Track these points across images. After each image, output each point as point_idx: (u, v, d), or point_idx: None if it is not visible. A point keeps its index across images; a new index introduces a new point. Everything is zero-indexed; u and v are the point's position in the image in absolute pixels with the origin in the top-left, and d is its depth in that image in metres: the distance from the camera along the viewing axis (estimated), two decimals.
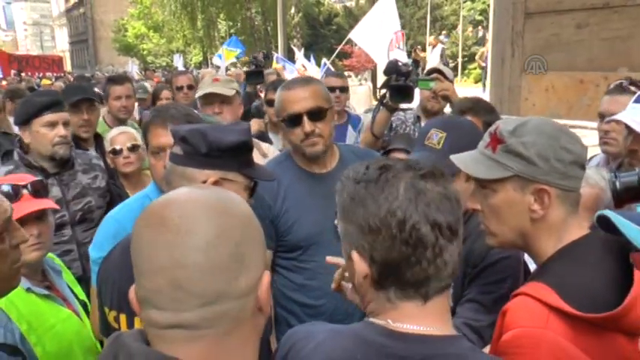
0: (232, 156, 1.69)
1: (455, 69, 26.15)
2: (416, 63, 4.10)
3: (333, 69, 16.29)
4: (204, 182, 1.64)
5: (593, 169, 2.25)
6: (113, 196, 3.30)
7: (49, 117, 3.00)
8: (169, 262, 0.93)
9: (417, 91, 3.40)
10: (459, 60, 25.43)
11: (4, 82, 13.91)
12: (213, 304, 0.94)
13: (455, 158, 1.68)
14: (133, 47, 50.35)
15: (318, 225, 2.30)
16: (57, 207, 2.25)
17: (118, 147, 3.46)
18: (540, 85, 6.07)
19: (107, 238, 2.15)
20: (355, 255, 1.14)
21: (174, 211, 0.97)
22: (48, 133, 3.00)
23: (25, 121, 3.05)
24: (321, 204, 2.26)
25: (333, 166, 2.48)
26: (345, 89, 4.67)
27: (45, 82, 15.24)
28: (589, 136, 3.70)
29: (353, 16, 45.40)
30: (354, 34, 9.24)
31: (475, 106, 2.90)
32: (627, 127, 2.35)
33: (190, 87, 5.39)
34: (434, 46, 18.17)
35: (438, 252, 1.08)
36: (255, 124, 3.95)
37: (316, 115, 2.35)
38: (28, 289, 1.98)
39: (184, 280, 0.92)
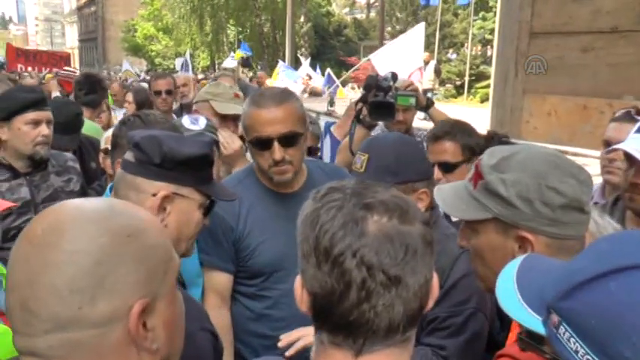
0: (189, 170, 1.54)
1: (461, 87, 26.07)
2: (395, 77, 3.95)
3: (336, 79, 16.27)
4: (154, 195, 1.49)
5: (605, 218, 1.99)
6: None
7: (33, 115, 2.86)
8: (22, 279, 0.83)
9: None
10: (466, 79, 25.31)
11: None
12: (63, 330, 0.82)
13: (437, 190, 1.52)
14: (141, 48, 50.52)
15: (283, 250, 2.11)
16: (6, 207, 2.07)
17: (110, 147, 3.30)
18: (542, 109, 5.91)
19: None
20: (298, 280, 1.00)
21: (41, 223, 0.87)
22: (30, 132, 2.85)
23: (4, 117, 2.89)
24: (286, 227, 1.94)
25: (300, 185, 2.27)
26: None
27: (49, 76, 15.17)
28: (591, 165, 3.55)
29: (362, 29, 45.56)
30: (375, 57, 9.24)
31: (452, 129, 2.75)
32: (628, 158, 2.19)
33: (169, 92, 5.11)
34: (427, 63, 17.79)
35: (365, 296, 0.91)
36: None
37: (288, 140, 2.13)
38: None
39: (32, 300, 0.82)
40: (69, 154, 3.46)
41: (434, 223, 1.96)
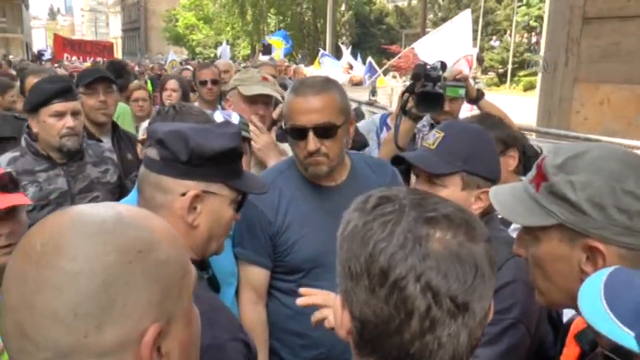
0: (218, 165, 1.43)
1: (504, 75, 25.51)
2: (444, 67, 3.78)
3: (377, 68, 16.05)
4: (183, 195, 1.39)
5: None
6: (124, 193, 3.11)
7: (56, 106, 2.81)
8: (18, 300, 0.73)
9: None
10: (509, 67, 24.76)
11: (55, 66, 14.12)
12: (65, 359, 0.72)
13: (493, 191, 1.38)
14: (182, 37, 51.11)
15: (324, 245, 1.98)
16: (27, 202, 2.01)
17: None
18: (594, 98, 5.62)
19: None
20: (338, 300, 0.88)
21: (40, 236, 0.76)
22: (55, 124, 2.81)
23: (32, 110, 2.87)
24: (327, 221, 1.85)
25: (342, 178, 2.15)
26: None
27: (87, 65, 15.50)
28: None
29: (404, 17, 45.08)
30: (418, 46, 9.04)
31: (482, 121, 2.59)
32: None
33: (215, 82, 5.08)
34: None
35: (429, 326, 0.79)
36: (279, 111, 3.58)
37: (324, 131, 2.02)
38: None
39: (29, 325, 0.72)
40: (106, 145, 3.44)
41: (490, 221, 1.83)
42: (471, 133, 1.88)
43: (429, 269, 0.79)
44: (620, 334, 0.88)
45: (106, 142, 3.62)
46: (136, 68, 16.72)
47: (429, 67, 2.79)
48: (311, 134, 2.01)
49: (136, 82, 5.49)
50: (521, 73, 24.90)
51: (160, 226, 0.84)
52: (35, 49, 40.26)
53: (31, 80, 4.23)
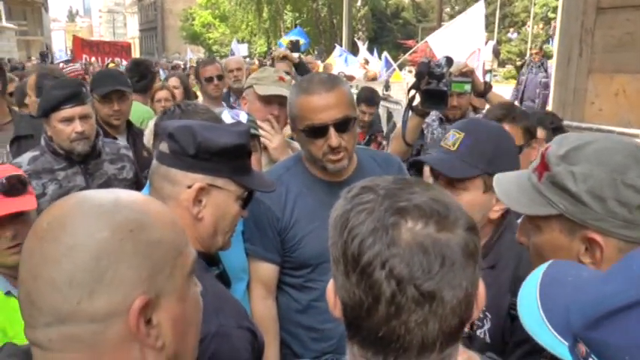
0: (224, 160, 1.48)
1: (522, 68, 25.26)
2: (450, 62, 3.73)
3: (393, 62, 16.01)
4: (190, 187, 1.45)
5: None
6: (140, 189, 3.18)
7: (64, 112, 2.87)
8: (27, 272, 0.85)
9: None
10: (527, 58, 24.53)
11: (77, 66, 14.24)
12: (63, 324, 0.82)
13: (497, 179, 1.39)
14: (199, 36, 51.36)
15: None
16: (28, 208, 2.05)
17: None
18: (609, 89, 5.54)
19: None
20: (331, 283, 0.92)
21: (47, 216, 0.87)
22: (65, 129, 2.88)
23: (44, 115, 2.95)
24: None
25: (349, 173, 2.18)
26: None
27: (110, 65, 15.65)
28: None
29: (421, 11, 44.79)
30: (432, 39, 8.99)
31: (509, 112, 2.59)
32: None
33: (220, 77, 5.07)
34: (485, 43, 17.21)
35: (395, 312, 0.81)
36: None
37: (344, 125, 2.04)
38: (8, 293, 1.83)
39: (35, 293, 0.83)
40: (122, 143, 3.51)
41: (508, 225, 1.81)
42: (492, 133, 1.84)
43: (393, 257, 0.81)
44: (555, 344, 0.87)
45: (122, 140, 3.70)
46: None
47: (432, 64, 2.80)
48: (332, 130, 2.02)
49: (160, 82, 5.50)
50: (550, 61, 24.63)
51: (156, 210, 0.93)
52: (55, 50, 40.78)
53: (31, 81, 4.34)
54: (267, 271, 2.19)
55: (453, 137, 1.79)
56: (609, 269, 0.90)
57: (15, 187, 1.99)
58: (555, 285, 0.93)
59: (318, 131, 2.04)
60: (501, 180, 1.37)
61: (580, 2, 5.58)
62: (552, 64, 7.61)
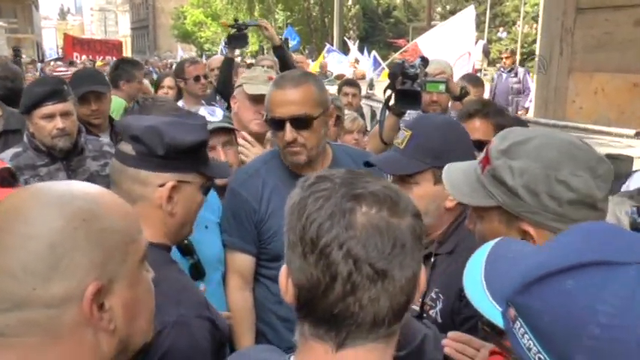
0: (190, 156, 1.53)
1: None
2: (425, 63, 3.75)
3: (382, 62, 16.06)
4: (161, 186, 1.49)
5: (616, 200, 1.81)
6: None
7: (45, 109, 2.91)
8: None
9: None
10: (517, 57, 24.63)
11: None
12: (19, 310, 0.86)
13: (446, 169, 1.46)
14: (190, 35, 51.16)
15: None
16: None
17: None
18: (589, 88, 5.63)
19: None
20: (284, 269, 0.98)
21: (2, 207, 0.91)
22: (46, 126, 2.92)
23: (25, 112, 2.99)
24: None
25: (324, 168, 2.23)
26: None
27: (99, 63, 15.58)
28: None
29: (412, 10, 44.82)
30: (421, 40, 9.07)
31: (483, 108, 2.65)
32: None
33: (206, 76, 5.08)
34: (475, 42, 17.31)
35: (350, 289, 0.88)
36: None
37: (301, 123, 2.11)
38: None
39: None
40: (105, 140, 3.54)
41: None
42: (440, 128, 1.91)
43: (351, 238, 0.88)
44: (491, 310, 0.93)
45: (105, 138, 3.72)
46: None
47: (406, 65, 2.86)
48: (288, 125, 2.10)
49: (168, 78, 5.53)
50: (530, 64, 24.73)
51: (108, 200, 0.98)
52: (45, 48, 40.48)
53: None
54: (244, 262, 2.25)
55: (402, 135, 1.88)
56: (544, 243, 0.97)
57: (7, 180, 2.04)
58: (499, 260, 1.00)
59: (276, 124, 2.15)
60: (450, 170, 1.44)
61: (560, 2, 5.67)
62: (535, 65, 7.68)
